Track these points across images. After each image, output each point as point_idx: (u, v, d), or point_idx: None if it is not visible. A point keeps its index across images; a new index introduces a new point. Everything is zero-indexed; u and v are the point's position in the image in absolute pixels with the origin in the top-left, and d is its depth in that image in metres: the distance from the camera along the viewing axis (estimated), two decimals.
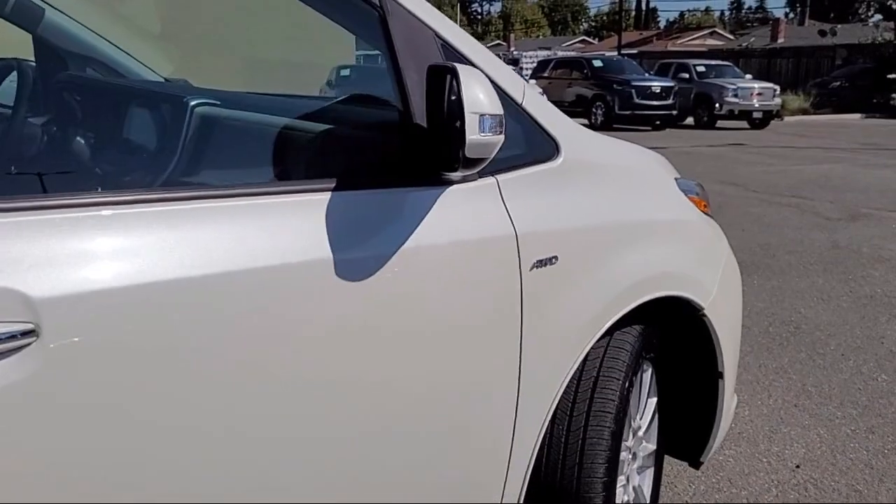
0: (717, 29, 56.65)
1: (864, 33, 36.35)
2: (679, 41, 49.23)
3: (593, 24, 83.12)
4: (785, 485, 2.55)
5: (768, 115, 20.04)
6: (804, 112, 24.52)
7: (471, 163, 1.24)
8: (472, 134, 1.18)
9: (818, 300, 4.58)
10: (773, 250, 5.87)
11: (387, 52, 1.37)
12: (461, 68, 1.19)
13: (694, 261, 2.01)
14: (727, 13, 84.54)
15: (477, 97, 1.19)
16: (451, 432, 1.47)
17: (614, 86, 18.98)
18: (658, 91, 18.97)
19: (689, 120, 20.23)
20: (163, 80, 2.72)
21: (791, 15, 63.07)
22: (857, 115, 24.63)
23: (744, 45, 38.79)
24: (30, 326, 0.90)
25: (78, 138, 1.84)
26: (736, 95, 19.44)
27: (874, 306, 4.46)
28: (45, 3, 2.40)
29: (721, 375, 2.12)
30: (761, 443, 2.82)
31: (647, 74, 21.02)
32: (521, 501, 1.64)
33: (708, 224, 2.12)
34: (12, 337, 0.89)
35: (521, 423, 1.57)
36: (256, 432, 1.15)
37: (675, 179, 2.08)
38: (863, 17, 64.20)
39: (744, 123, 19.74)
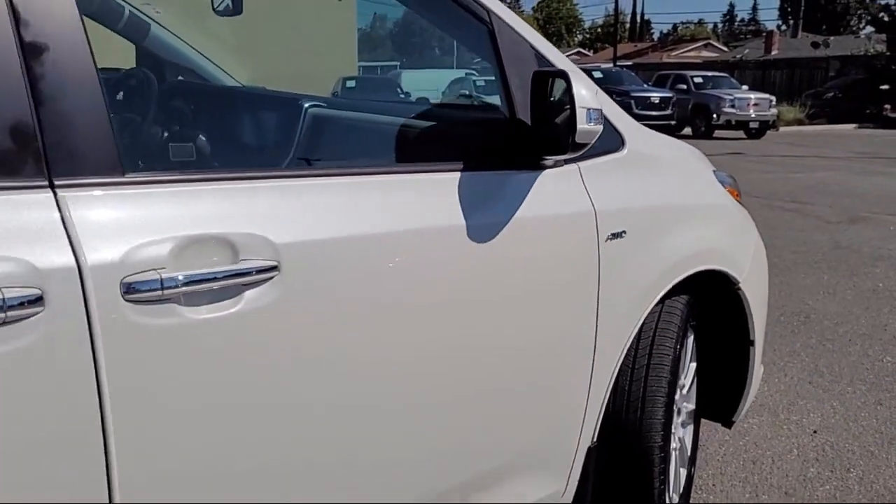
0: (711, 41, 57.26)
1: (857, 45, 36.74)
2: (674, 53, 49.82)
3: (588, 36, 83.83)
4: (805, 447, 2.85)
5: (764, 126, 20.44)
6: (799, 122, 24.95)
7: (578, 147, 1.55)
8: (582, 124, 1.49)
9: (824, 294, 4.90)
10: (778, 251, 6.18)
11: (494, 60, 1.68)
12: (571, 72, 1.51)
13: (731, 240, 2.32)
14: (720, 25, 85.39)
15: (583, 95, 1.50)
16: (544, 382, 1.77)
17: (614, 96, 19.12)
18: (657, 101, 19.39)
19: (687, 130, 20.58)
20: (241, 85, 3.04)
21: (784, 27, 63.72)
22: (852, 126, 25.04)
23: (738, 56, 39.31)
24: (274, 263, 1.21)
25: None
26: (733, 106, 19.83)
27: (877, 299, 4.78)
28: (150, 19, 2.72)
29: (753, 343, 2.42)
30: (781, 413, 3.13)
31: (645, 85, 21.44)
32: (595, 440, 1.94)
33: (741, 210, 2.43)
34: (262, 270, 1.19)
35: (596, 374, 1.87)
36: (419, 362, 1.46)
37: (713, 171, 2.39)
38: (854, 29, 64.84)
39: (741, 133, 20.14)
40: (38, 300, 0.98)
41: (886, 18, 31.29)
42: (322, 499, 1.35)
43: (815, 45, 38.93)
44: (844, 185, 10.36)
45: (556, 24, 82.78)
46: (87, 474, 1.06)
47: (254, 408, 1.22)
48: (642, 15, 76.83)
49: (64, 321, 1.01)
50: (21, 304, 0.97)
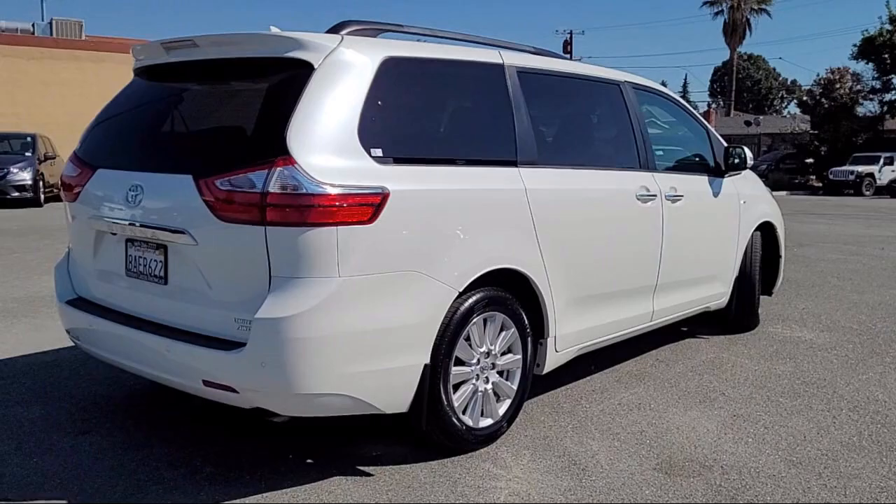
0: None
1: (783, 123, 41.50)
2: None
3: None
4: (801, 311, 6.37)
5: None
6: None
7: (745, 168, 5.10)
8: (749, 162, 5.04)
9: (794, 272, 8.52)
10: None
11: (709, 144, 5.22)
12: (745, 147, 5.06)
13: (773, 212, 5.88)
14: None
15: (748, 152, 5.06)
16: (725, 248, 5.27)
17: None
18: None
19: None
20: None
21: (713, 105, 69.60)
22: (784, 193, 29.45)
23: None
24: (683, 194, 4.66)
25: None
26: None
27: (823, 274, 8.45)
28: None
29: (780, 256, 5.97)
30: (787, 303, 6.66)
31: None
32: (737, 273, 5.43)
33: (775, 201, 5.99)
34: (679, 195, 4.65)
35: (736, 254, 5.38)
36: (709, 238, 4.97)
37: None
38: (777, 108, 71.29)
39: None
40: (655, 196, 4.42)
41: (810, 102, 36.24)
42: (680, 270, 4.79)
43: (747, 122, 44.09)
44: (790, 229, 13.89)
45: None
46: (654, 261, 4.47)
47: (688, 237, 4.69)
48: None
49: (658, 201, 4.45)
50: (653, 196, 4.41)
